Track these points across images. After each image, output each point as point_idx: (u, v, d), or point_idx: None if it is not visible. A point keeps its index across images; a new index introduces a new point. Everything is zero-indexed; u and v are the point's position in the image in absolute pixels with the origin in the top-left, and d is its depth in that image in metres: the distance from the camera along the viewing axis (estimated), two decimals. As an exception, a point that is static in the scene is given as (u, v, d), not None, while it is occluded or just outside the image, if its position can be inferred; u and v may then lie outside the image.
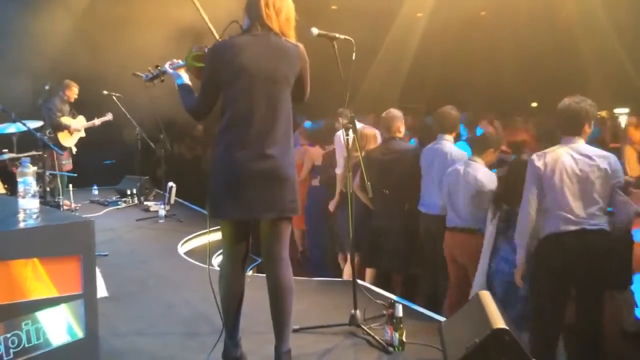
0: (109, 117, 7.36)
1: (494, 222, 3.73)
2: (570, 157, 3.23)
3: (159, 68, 2.98)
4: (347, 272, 4.85)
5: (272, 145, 2.49)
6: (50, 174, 5.93)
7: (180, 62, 2.79)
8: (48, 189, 5.78)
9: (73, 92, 7.04)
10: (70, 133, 7.06)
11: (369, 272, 4.75)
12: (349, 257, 4.66)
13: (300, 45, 2.59)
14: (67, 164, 6.93)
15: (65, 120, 6.95)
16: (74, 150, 7.16)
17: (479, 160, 4.03)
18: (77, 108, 7.24)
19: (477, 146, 4.21)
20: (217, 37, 2.83)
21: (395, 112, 4.58)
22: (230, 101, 2.51)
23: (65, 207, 6.18)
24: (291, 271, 2.62)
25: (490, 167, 4.14)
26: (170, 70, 2.82)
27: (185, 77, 2.76)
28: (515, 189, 3.52)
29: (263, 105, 2.48)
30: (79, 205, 6.93)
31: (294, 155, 2.61)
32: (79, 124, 7.17)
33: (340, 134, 5.02)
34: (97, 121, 7.32)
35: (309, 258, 6.30)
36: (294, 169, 2.59)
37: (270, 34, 2.50)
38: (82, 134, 7.25)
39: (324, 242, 5.80)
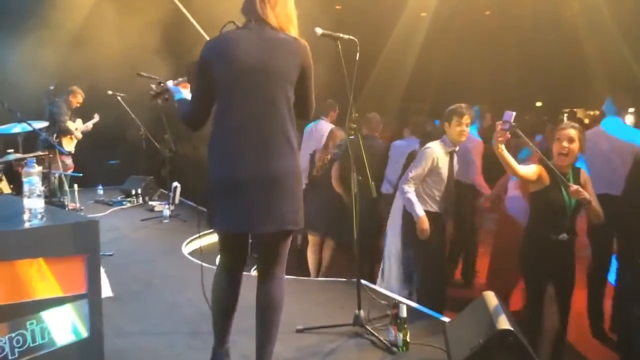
0: (96, 118, 7.56)
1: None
2: None
3: (162, 85, 2.87)
4: (310, 253, 5.21)
5: (269, 149, 2.26)
6: (54, 174, 5.99)
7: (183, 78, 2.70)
8: (51, 188, 5.85)
9: (77, 99, 7.18)
10: (71, 138, 7.19)
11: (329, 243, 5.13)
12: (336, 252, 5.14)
13: (302, 41, 2.34)
14: (70, 164, 7.04)
15: (70, 125, 7.12)
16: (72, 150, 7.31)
17: None
18: (83, 107, 7.35)
19: None
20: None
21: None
22: (222, 99, 2.30)
23: (70, 207, 6.21)
24: (283, 289, 2.44)
25: None
26: (172, 86, 2.70)
27: (186, 93, 2.61)
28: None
29: (257, 102, 2.26)
30: (83, 207, 6.95)
31: (296, 161, 2.35)
32: (79, 127, 7.35)
33: (317, 124, 5.81)
34: (90, 124, 7.50)
35: None
36: (297, 176, 2.35)
37: (266, 27, 2.30)
38: (79, 136, 7.40)
39: None
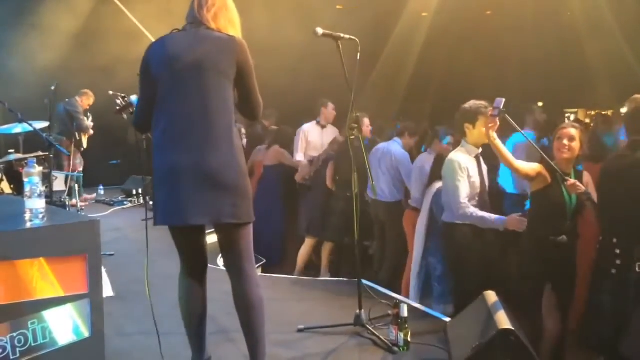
0: (90, 119, 7.71)
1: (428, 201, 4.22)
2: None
3: (126, 100, 2.90)
4: (302, 254, 5.37)
5: (203, 142, 2.24)
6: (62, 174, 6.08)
7: None
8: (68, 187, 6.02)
9: (90, 101, 7.38)
10: (86, 135, 7.40)
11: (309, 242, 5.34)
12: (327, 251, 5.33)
13: (239, 38, 2.34)
14: (80, 162, 7.19)
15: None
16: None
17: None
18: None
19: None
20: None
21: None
22: (160, 96, 2.31)
23: (77, 203, 6.29)
24: (256, 284, 2.40)
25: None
26: (135, 100, 2.71)
27: None
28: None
29: (191, 97, 2.26)
30: (84, 207, 6.96)
31: (235, 155, 2.30)
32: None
33: (307, 127, 5.94)
34: (91, 124, 7.66)
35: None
36: (237, 169, 2.29)
37: (201, 27, 2.33)
38: (91, 132, 7.59)
39: (275, 221, 5.93)
